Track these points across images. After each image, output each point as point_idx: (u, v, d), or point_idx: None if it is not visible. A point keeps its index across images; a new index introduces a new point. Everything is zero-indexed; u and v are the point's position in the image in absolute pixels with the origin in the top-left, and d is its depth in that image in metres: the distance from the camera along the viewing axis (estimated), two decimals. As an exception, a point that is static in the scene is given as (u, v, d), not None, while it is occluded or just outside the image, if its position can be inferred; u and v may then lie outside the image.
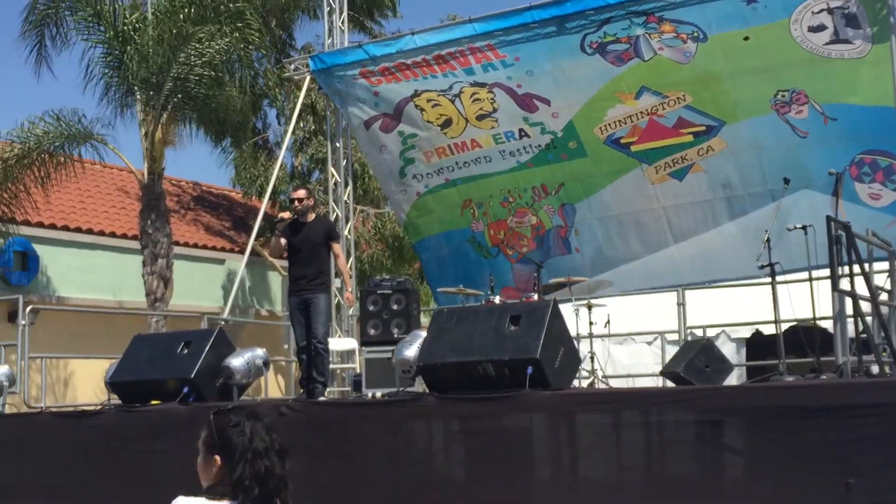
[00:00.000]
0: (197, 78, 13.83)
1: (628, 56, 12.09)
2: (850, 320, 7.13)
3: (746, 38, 11.52)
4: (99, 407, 9.09)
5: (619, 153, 12.80)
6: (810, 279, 8.17)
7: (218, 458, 3.01)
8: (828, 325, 8.76)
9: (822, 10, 11.10)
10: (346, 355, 13.00)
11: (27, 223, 15.83)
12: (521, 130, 13.18)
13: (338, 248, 9.23)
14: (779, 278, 8.25)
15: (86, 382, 16.35)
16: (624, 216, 13.02)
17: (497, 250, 13.85)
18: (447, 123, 13.50)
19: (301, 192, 9.22)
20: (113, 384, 8.64)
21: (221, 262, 19.78)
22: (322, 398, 8.54)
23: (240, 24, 14.24)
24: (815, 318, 8.16)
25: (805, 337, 8.81)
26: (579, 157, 13.05)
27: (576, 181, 13.25)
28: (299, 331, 8.93)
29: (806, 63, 11.40)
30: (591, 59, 12.21)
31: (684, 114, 12.25)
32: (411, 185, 14.29)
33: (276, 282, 21.02)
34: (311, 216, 9.16)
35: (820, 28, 11.18)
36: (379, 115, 13.85)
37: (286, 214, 9.09)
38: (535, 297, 10.48)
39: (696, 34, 11.65)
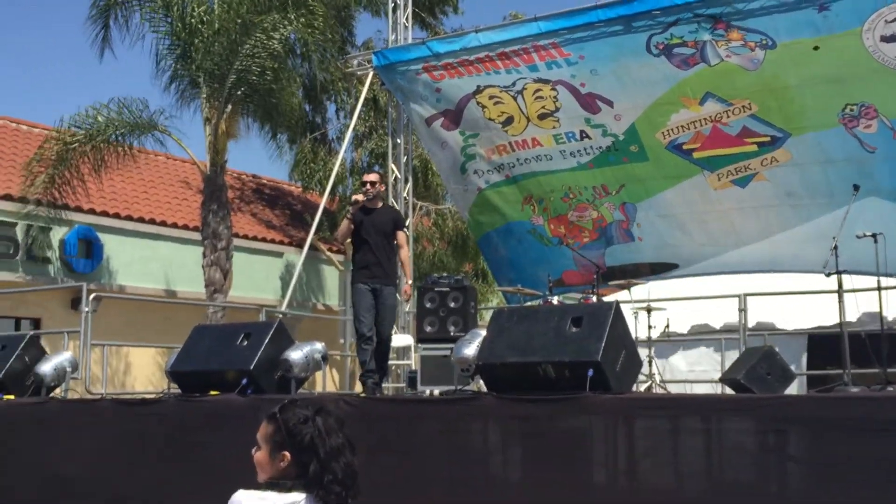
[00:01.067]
0: (259, 70, 13.93)
1: (694, 60, 11.91)
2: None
3: (816, 48, 11.19)
4: (159, 395, 9.20)
5: (681, 159, 12.66)
6: (879, 288, 8.00)
7: (288, 454, 3.02)
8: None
9: (895, 20, 10.79)
10: (402, 352, 13.02)
11: (92, 212, 16.11)
12: (582, 132, 13.09)
13: (403, 238, 9.05)
14: (846, 286, 8.09)
15: (142, 371, 16.59)
16: (686, 215, 12.94)
17: (558, 240, 13.85)
18: (508, 121, 13.47)
19: (373, 176, 9.05)
20: (173, 373, 8.72)
21: (279, 255, 19.93)
22: (379, 394, 8.53)
23: (303, 11, 14.30)
24: (882, 329, 7.98)
25: (871, 345, 8.63)
26: (640, 160, 12.94)
27: (637, 183, 13.16)
28: (367, 318, 8.75)
29: (877, 75, 11.06)
30: (657, 60, 12.06)
31: (749, 123, 12.03)
32: (472, 182, 14.30)
33: (333, 276, 21.13)
34: (380, 203, 9.06)
35: (893, 38, 10.83)
36: (440, 114, 13.86)
37: (360, 197, 8.89)
38: (594, 298, 10.41)
39: (764, 42, 11.40)
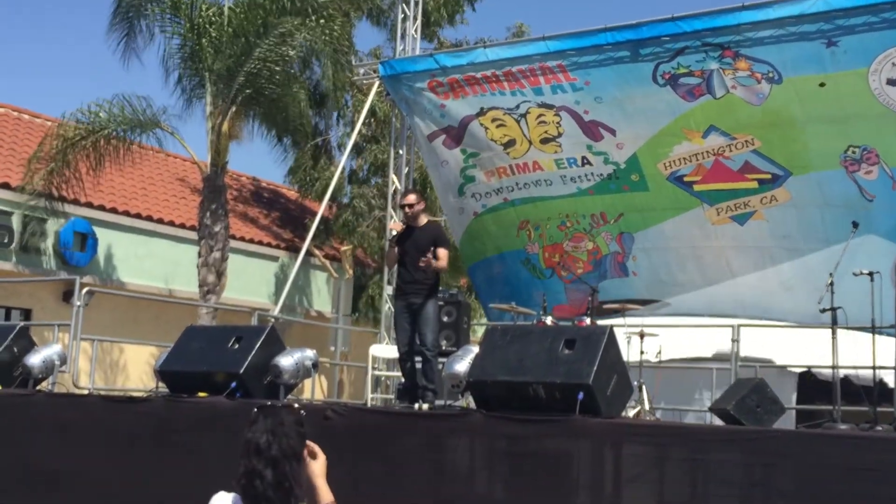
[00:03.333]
0: (269, 74, 13.94)
1: (700, 91, 11.86)
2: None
3: (822, 85, 11.10)
4: (147, 394, 9.17)
5: (681, 190, 12.58)
6: (873, 327, 8.01)
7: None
8: (884, 374, 8.60)
9: None
10: (392, 363, 12.98)
11: (89, 206, 16.09)
12: (583, 158, 13.03)
13: (443, 254, 8.84)
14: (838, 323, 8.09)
15: (134, 367, 16.55)
16: (683, 249, 12.83)
17: (551, 272, 13.69)
18: (510, 143, 13.41)
19: (411, 198, 9.08)
20: (162, 372, 8.69)
21: (274, 259, 19.93)
22: (426, 406, 8.27)
23: (321, 19, 14.31)
24: (874, 367, 7.98)
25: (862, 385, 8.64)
26: (641, 190, 12.85)
27: (636, 212, 13.06)
28: (402, 336, 8.87)
29: (880, 118, 10.92)
30: (662, 90, 12.02)
31: (751, 158, 11.95)
32: (468, 204, 14.17)
33: (326, 283, 21.12)
34: (423, 220, 9.08)
35: None
36: (442, 130, 13.78)
37: (397, 226, 9.02)
38: (588, 321, 10.40)
39: (771, 74, 11.36)
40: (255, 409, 3.12)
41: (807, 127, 11.46)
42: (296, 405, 3.26)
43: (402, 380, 9.46)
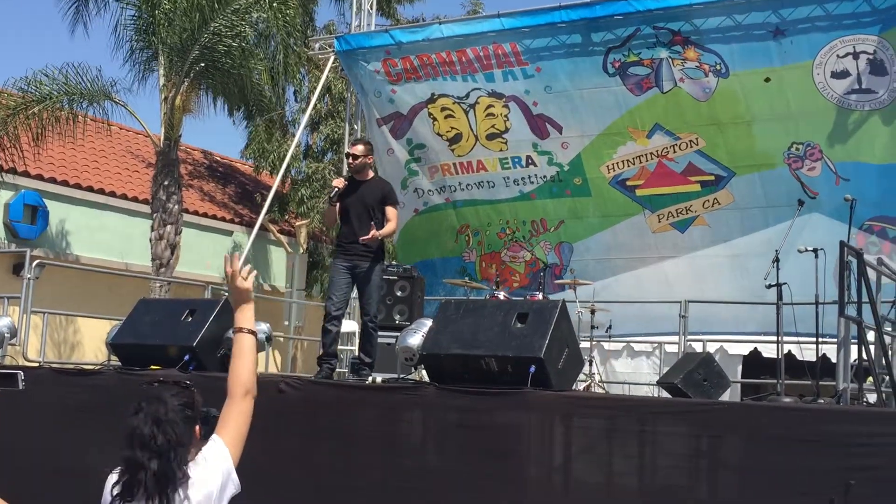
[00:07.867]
0: (225, 48, 13.79)
1: (648, 84, 11.86)
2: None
3: (767, 80, 11.18)
4: (98, 367, 9.13)
5: (623, 196, 12.53)
6: (816, 302, 8.19)
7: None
8: (827, 349, 8.81)
9: (847, 55, 10.77)
10: (346, 337, 13.02)
11: (40, 178, 15.87)
12: (528, 157, 12.98)
13: (392, 213, 8.28)
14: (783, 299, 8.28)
15: (89, 342, 16.40)
16: (620, 262, 12.74)
17: (486, 283, 13.65)
18: (456, 139, 13.32)
19: (358, 148, 8.32)
20: (114, 345, 8.66)
21: (228, 233, 19.82)
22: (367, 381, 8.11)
23: (276, 3, 14.15)
24: (817, 342, 8.18)
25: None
26: (583, 195, 12.79)
27: (576, 220, 12.98)
28: (337, 296, 8.17)
29: (824, 112, 11.03)
30: (612, 80, 12.00)
31: (694, 159, 11.96)
32: (410, 199, 13.92)
33: (281, 257, 21.06)
34: (370, 174, 8.43)
35: (843, 74, 10.82)
36: (391, 117, 13.69)
37: (339, 183, 8.23)
38: (540, 296, 10.52)
39: (718, 67, 11.40)
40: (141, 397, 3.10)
41: (751, 125, 11.53)
42: (185, 381, 3.18)
43: (355, 353, 9.28)
